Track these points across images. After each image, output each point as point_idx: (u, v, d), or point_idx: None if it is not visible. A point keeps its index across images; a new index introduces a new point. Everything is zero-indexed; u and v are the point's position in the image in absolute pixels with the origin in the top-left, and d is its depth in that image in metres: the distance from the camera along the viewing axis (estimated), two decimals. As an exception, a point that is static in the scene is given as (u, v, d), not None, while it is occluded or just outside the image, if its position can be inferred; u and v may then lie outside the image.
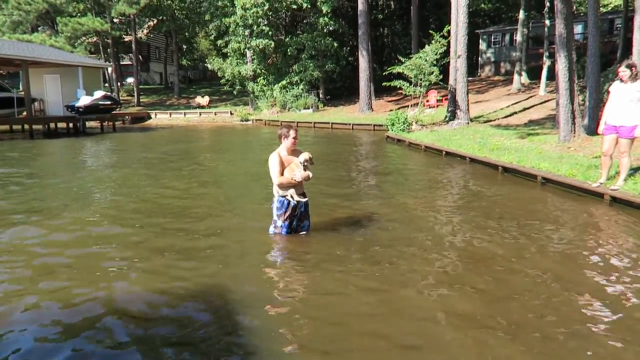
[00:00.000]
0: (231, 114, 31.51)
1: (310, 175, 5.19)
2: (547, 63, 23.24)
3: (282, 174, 5.05)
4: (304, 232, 5.39)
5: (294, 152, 5.22)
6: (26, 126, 21.85)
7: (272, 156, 5.07)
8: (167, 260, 4.71)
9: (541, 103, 20.62)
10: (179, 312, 3.64)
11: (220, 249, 5.08)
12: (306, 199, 5.32)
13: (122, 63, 44.46)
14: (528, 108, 20.18)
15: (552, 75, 19.26)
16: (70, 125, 23.13)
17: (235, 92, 33.97)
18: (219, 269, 4.51)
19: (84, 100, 22.81)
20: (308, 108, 29.83)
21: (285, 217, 5.19)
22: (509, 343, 3.10)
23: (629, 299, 3.75)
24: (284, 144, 5.14)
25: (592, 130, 11.02)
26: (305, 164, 5.13)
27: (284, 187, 5.10)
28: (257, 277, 4.33)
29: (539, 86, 23.85)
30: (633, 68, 6.54)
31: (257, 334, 3.28)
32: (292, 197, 5.14)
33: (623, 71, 6.58)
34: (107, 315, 3.57)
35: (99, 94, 23.84)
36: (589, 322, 3.36)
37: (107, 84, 37.61)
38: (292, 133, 5.11)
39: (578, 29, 27.78)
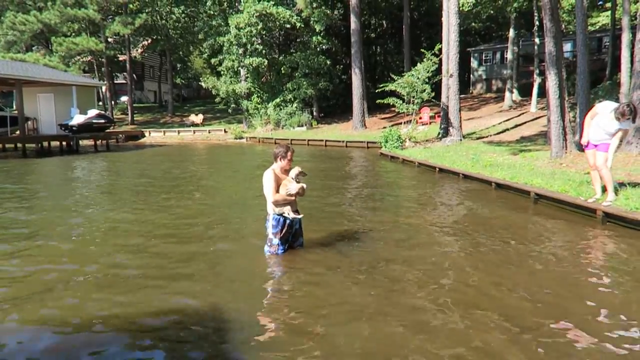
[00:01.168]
0: (225, 131, 31.58)
1: (305, 187, 5.18)
2: (537, 80, 23.60)
3: (277, 191, 5.05)
4: (299, 246, 5.40)
5: (286, 171, 5.22)
6: (19, 145, 21.79)
7: (266, 173, 5.06)
8: (158, 279, 4.66)
9: (533, 120, 20.88)
10: (171, 331, 3.59)
11: (213, 267, 5.03)
12: (301, 216, 5.30)
13: (116, 82, 44.57)
14: (520, 125, 20.43)
15: (542, 93, 19.56)
16: (64, 143, 23.09)
17: (230, 110, 34.11)
18: (212, 287, 4.46)
19: (77, 119, 22.88)
20: (302, 126, 30.00)
21: (281, 234, 5.16)
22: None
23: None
24: (280, 163, 5.13)
25: (584, 146, 11.12)
26: (298, 179, 5.13)
27: (279, 204, 5.08)
28: (252, 295, 4.29)
29: (530, 103, 24.18)
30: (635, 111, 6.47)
31: (253, 353, 3.24)
32: (288, 214, 5.13)
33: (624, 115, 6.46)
34: (100, 329, 3.53)
35: (92, 112, 23.91)
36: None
37: (101, 103, 37.72)
38: (289, 155, 5.11)
39: (567, 47, 28.28)
